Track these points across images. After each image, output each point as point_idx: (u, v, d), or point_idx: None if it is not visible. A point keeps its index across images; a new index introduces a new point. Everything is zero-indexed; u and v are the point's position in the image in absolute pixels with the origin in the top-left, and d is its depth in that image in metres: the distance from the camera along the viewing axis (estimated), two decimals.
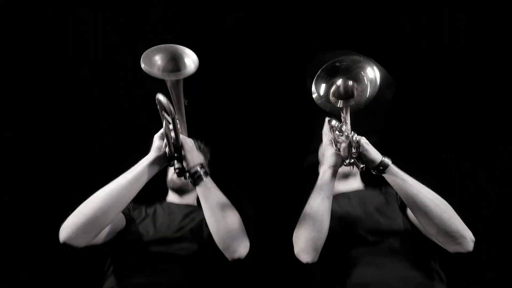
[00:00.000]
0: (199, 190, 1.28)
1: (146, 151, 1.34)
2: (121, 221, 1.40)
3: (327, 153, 1.39)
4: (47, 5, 2.15)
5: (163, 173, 1.66)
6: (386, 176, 1.27)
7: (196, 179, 1.27)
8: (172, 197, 1.69)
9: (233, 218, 1.27)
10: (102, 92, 2.49)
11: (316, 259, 1.28)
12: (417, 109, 2.44)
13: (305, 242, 1.27)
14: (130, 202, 1.35)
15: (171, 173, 1.65)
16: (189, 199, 1.67)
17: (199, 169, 1.28)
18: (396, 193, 1.32)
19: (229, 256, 1.26)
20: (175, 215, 1.52)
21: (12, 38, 2.23)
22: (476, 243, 1.21)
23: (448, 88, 2.40)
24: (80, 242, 1.18)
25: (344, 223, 1.41)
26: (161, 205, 1.61)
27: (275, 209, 2.40)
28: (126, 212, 1.43)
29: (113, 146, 2.35)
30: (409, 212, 1.35)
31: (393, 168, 1.26)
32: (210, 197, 1.27)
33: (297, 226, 1.35)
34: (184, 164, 1.26)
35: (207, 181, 1.28)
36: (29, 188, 2.29)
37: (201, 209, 1.34)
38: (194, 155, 1.29)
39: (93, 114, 2.46)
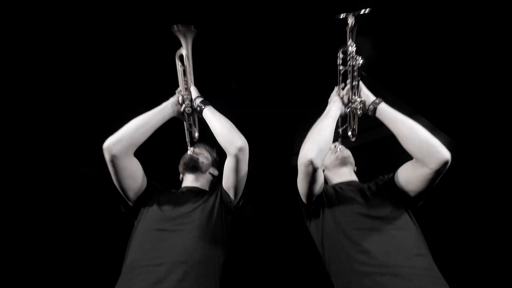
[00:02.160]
0: (205, 112, 1.63)
1: (146, 150, 1.36)
2: (144, 181, 1.66)
3: (333, 98, 1.69)
4: (47, 5, 2.15)
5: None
6: (379, 111, 1.55)
7: (202, 103, 1.65)
8: (186, 182, 1.82)
9: (231, 124, 1.60)
10: (102, 91, 2.50)
11: (318, 161, 1.43)
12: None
13: (311, 143, 1.46)
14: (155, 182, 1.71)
15: (185, 158, 1.83)
16: (202, 180, 1.83)
17: (202, 98, 1.68)
18: (383, 183, 1.59)
19: (232, 149, 1.52)
20: (190, 194, 1.70)
21: (12, 38, 2.23)
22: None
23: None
24: (117, 149, 1.50)
25: (343, 202, 1.57)
26: (178, 190, 1.81)
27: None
28: (149, 181, 1.68)
29: None
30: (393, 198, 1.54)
31: (384, 105, 1.55)
32: (215, 113, 1.62)
33: (306, 137, 1.51)
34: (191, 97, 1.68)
35: (211, 107, 1.64)
36: (28, 187, 2.29)
37: (213, 192, 1.65)
38: (196, 90, 1.71)
39: (93, 113, 2.47)
